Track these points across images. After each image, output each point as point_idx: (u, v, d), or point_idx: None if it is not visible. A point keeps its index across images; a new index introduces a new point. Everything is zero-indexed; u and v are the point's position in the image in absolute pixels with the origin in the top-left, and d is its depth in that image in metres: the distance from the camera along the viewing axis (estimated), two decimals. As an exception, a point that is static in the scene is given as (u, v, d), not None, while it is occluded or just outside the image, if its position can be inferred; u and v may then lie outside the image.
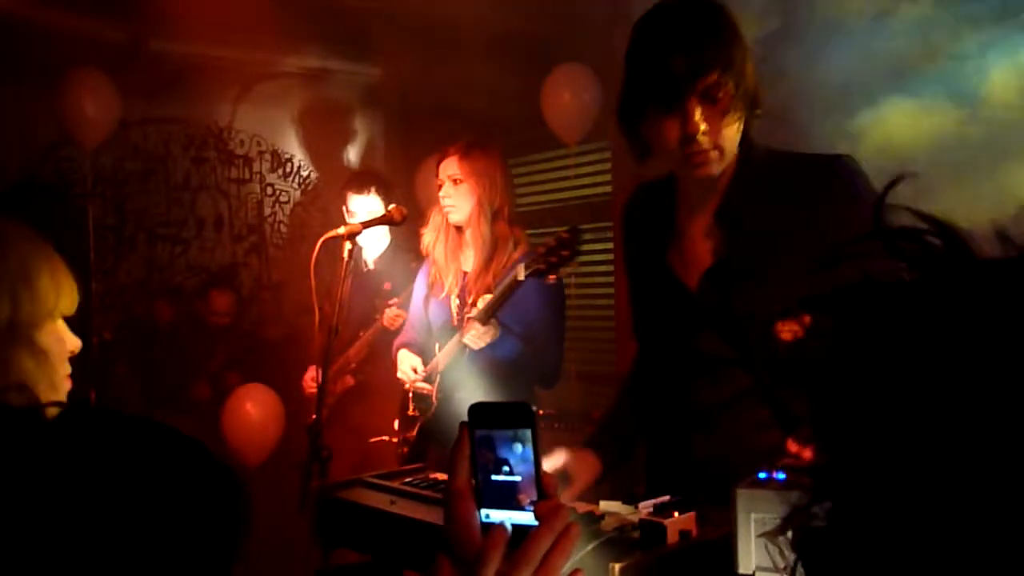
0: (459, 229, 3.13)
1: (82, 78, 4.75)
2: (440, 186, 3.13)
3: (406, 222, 3.16)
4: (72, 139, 4.87)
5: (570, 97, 4.62)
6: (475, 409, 0.98)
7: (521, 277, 2.62)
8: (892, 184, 0.57)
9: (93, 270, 5.18)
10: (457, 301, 3.14)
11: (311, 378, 3.89)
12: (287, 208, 6.15)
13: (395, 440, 3.37)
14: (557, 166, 5.20)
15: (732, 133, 1.75)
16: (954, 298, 0.48)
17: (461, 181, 3.07)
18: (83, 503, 0.74)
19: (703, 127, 1.72)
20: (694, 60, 1.69)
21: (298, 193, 6.17)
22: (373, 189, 3.87)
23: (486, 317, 2.81)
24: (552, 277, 2.63)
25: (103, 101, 4.80)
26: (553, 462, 1.95)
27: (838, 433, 0.52)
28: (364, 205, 3.82)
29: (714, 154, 1.75)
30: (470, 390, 2.88)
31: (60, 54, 4.53)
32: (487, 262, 3.03)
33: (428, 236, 3.21)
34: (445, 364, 3.01)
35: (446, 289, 3.16)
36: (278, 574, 3.71)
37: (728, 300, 1.75)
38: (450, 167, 3.09)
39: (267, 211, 6.08)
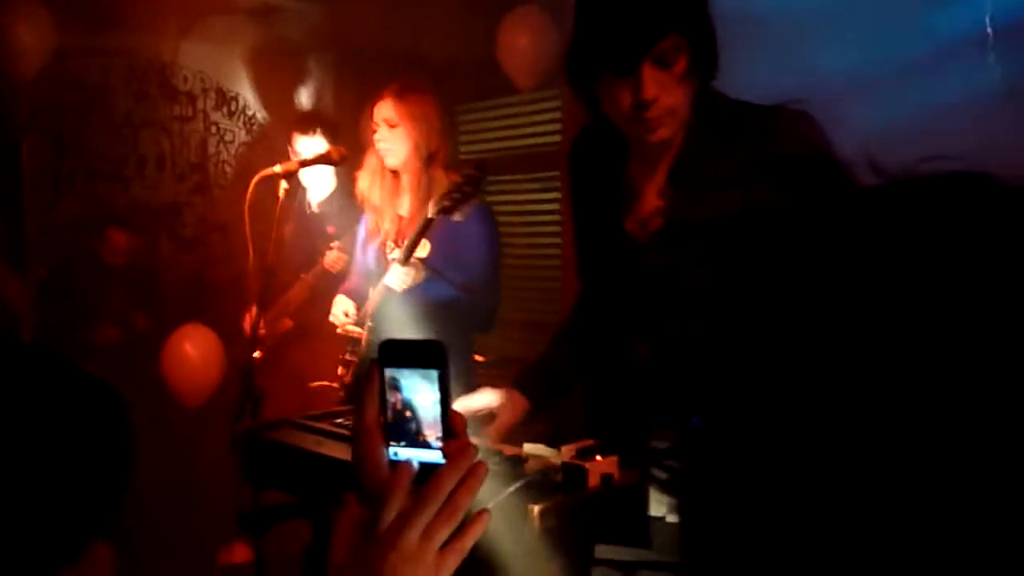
0: (395, 173, 3.10)
1: (15, 4, 4.60)
2: (375, 130, 3.09)
3: (347, 162, 3.17)
4: (5, 68, 4.72)
5: (527, 41, 4.57)
6: (386, 346, 0.97)
7: (430, 215, 2.70)
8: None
9: (27, 207, 5.09)
10: (392, 246, 3.12)
11: (249, 320, 3.83)
12: (232, 148, 6.05)
13: (336, 385, 3.35)
14: (508, 113, 5.17)
15: (687, 94, 1.72)
16: (824, 224, 0.48)
17: (396, 125, 3.04)
18: None
19: (655, 94, 1.68)
20: (648, 23, 1.64)
21: (244, 133, 6.06)
22: (319, 130, 3.83)
23: (404, 258, 2.83)
24: (458, 215, 2.71)
25: (38, 29, 4.65)
26: (478, 400, 1.96)
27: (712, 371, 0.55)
28: (309, 146, 3.76)
29: (668, 119, 1.73)
30: (402, 334, 2.88)
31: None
32: (422, 206, 2.99)
33: (363, 180, 3.18)
34: (374, 307, 3.00)
35: (382, 234, 3.15)
36: (212, 514, 3.71)
37: (675, 263, 1.71)
38: (384, 110, 3.06)
39: (211, 150, 5.98)
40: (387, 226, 3.14)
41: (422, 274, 2.89)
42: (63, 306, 4.81)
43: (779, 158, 1.61)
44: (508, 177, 5.19)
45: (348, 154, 3.19)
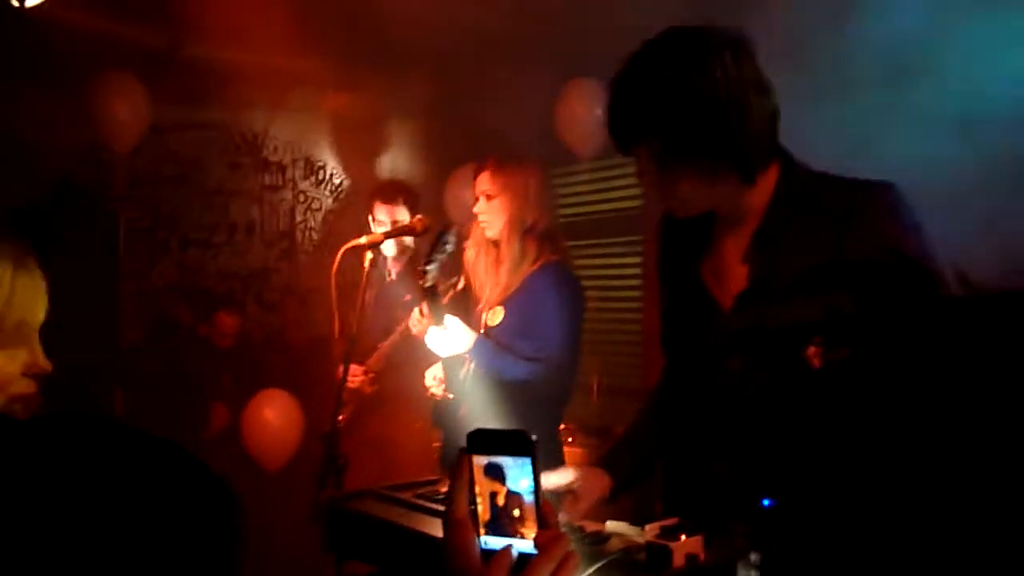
0: (496, 244, 3.14)
1: (114, 81, 4.82)
2: (476, 201, 3.14)
3: (428, 233, 3.18)
4: (105, 142, 4.96)
5: (583, 112, 4.64)
6: (474, 436, 0.98)
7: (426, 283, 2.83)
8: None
9: (123, 272, 5.27)
10: (490, 314, 3.15)
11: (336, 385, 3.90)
12: (319, 215, 6.23)
13: (437, 444, 3.43)
14: (587, 179, 5.23)
15: (697, 186, 1.76)
16: (913, 333, 0.50)
17: (493, 196, 3.08)
18: (75, 517, 0.73)
19: (651, 178, 1.76)
20: (623, 122, 1.74)
21: (330, 200, 6.25)
22: (401, 199, 3.91)
23: (434, 318, 2.91)
24: (422, 281, 2.84)
25: (135, 105, 4.87)
26: (561, 478, 1.95)
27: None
28: (391, 215, 3.86)
29: (678, 205, 1.80)
30: (480, 403, 2.92)
31: (96, 57, 4.61)
32: (512, 276, 3.06)
33: (469, 251, 3.23)
34: (451, 376, 3.05)
35: (482, 303, 3.18)
36: (292, 582, 3.73)
37: (760, 325, 1.73)
38: (483, 183, 3.11)
39: (299, 218, 6.16)
40: (487, 295, 3.17)
41: (470, 341, 2.92)
42: (158, 371, 4.92)
43: (861, 260, 1.62)
44: (588, 242, 5.24)
45: (430, 224, 3.21)
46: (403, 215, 3.83)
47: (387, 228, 3.73)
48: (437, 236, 2.80)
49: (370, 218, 3.97)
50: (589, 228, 5.20)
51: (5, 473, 0.73)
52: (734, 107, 1.66)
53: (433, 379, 3.23)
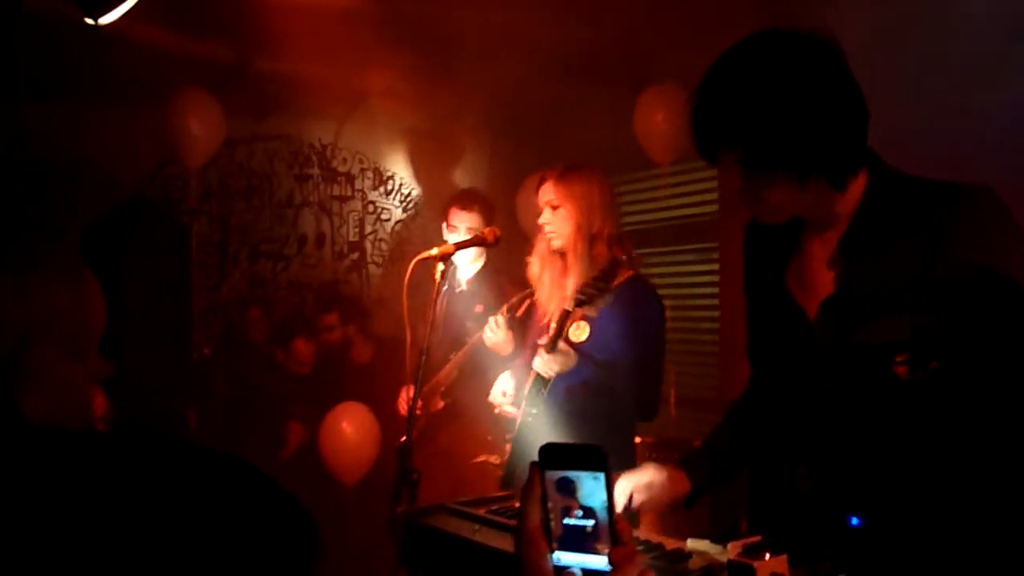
0: (562, 254, 3.11)
1: (188, 98, 4.92)
2: (540, 212, 3.12)
3: (500, 243, 3.22)
4: (178, 157, 5.05)
5: (662, 118, 4.62)
6: (546, 450, 0.97)
7: (567, 307, 2.78)
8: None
9: (195, 286, 5.34)
10: (554, 328, 3.07)
11: (404, 400, 3.92)
12: (388, 226, 6.30)
13: (495, 460, 3.41)
14: (662, 184, 5.19)
15: (784, 192, 1.71)
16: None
17: (558, 206, 3.06)
18: (148, 538, 0.75)
19: (740, 185, 1.73)
20: (707, 127, 1.71)
21: (400, 211, 6.31)
22: (477, 208, 3.95)
23: (549, 346, 2.84)
24: (590, 310, 2.78)
25: (208, 120, 4.96)
26: (640, 477, 1.96)
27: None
28: (466, 222, 3.91)
29: (764, 212, 1.78)
30: (557, 418, 2.90)
31: (168, 74, 4.71)
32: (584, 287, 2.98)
33: (534, 264, 3.22)
34: (527, 390, 3.00)
35: (548, 315, 3.15)
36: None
37: (846, 337, 1.70)
38: (547, 192, 3.09)
39: (368, 229, 6.23)
40: (553, 307, 3.14)
41: (572, 360, 2.88)
42: (231, 388, 4.99)
43: (950, 276, 1.59)
44: (663, 249, 5.21)
45: (501, 235, 3.24)
46: (477, 223, 3.89)
47: (461, 235, 3.80)
48: (607, 269, 2.82)
49: (444, 225, 4.02)
50: (663, 234, 5.17)
51: (82, 491, 0.75)
52: (823, 111, 1.63)
53: (502, 394, 3.21)
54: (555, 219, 3.07)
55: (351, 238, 6.16)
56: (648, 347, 3.01)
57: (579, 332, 2.91)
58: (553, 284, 3.14)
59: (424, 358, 2.87)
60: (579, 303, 2.78)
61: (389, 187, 6.28)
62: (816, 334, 1.76)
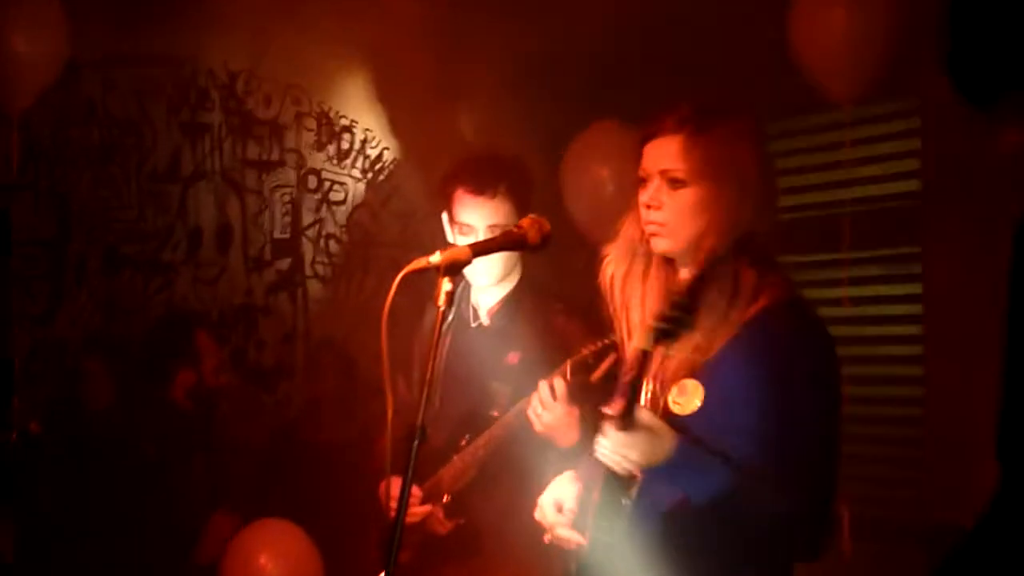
0: (670, 262, 3.00)
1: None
2: (643, 183, 2.97)
3: (548, 245, 3.15)
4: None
5: (841, 22, 4.55)
6: None
7: (647, 346, 2.68)
8: None
9: (15, 314, 5.36)
10: (650, 385, 3.00)
11: (386, 500, 3.74)
12: (342, 212, 6.22)
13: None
14: (817, 144, 5.21)
15: None
16: None
17: (683, 181, 2.90)
18: None
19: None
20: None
21: (362, 186, 6.24)
22: (502, 187, 3.91)
23: (622, 418, 2.69)
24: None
25: (42, 32, 4.96)
26: None
27: None
28: (485, 214, 3.90)
29: None
30: (646, 551, 2.83)
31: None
32: (720, 325, 2.84)
33: (613, 266, 3.10)
34: (599, 498, 2.95)
35: (636, 364, 2.95)
36: None
37: None
38: (665, 154, 2.93)
39: (308, 218, 6.17)
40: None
41: (667, 444, 2.74)
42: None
43: None
44: (821, 256, 5.17)
45: (552, 231, 3.16)
46: (505, 213, 3.86)
47: (479, 234, 3.80)
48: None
49: (445, 217, 4.01)
50: (823, 231, 5.10)
51: None
52: None
53: (557, 509, 3.12)
54: (673, 203, 2.92)
55: (278, 234, 6.11)
56: (811, 429, 2.88)
57: (686, 396, 2.86)
58: (646, 309, 3.03)
59: (417, 443, 2.81)
60: (662, 334, 2.63)
61: (345, 145, 6.22)
62: None
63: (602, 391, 3.30)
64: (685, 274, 2.94)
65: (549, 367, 3.59)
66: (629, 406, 2.68)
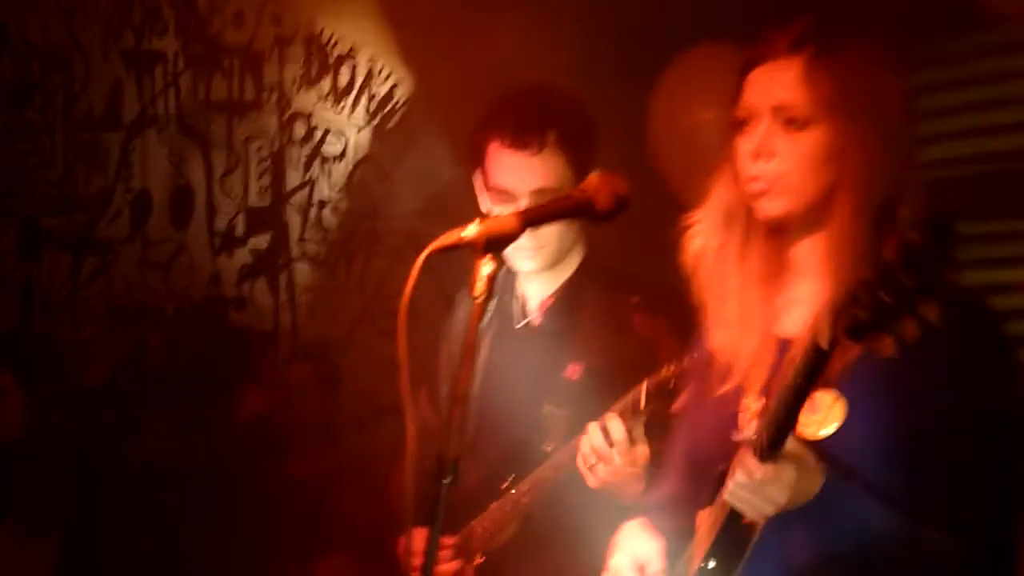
0: (780, 231, 2.95)
1: None
2: (745, 126, 2.93)
3: (623, 213, 3.04)
4: None
5: None
6: None
7: (822, 344, 2.60)
8: None
9: None
10: (757, 405, 2.99)
11: (407, 556, 3.83)
12: (340, 171, 6.12)
13: None
14: (980, 74, 5.14)
15: None
16: None
17: (805, 121, 2.85)
18: None
19: None
20: None
21: (367, 136, 6.14)
22: (551, 139, 3.91)
23: (763, 448, 2.66)
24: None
25: None
26: None
27: None
28: (526, 176, 3.89)
29: None
30: None
31: None
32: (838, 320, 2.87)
33: (701, 238, 3.06)
34: (705, 554, 2.88)
35: (739, 375, 3.03)
36: None
37: None
38: (779, 84, 2.90)
39: (293, 179, 6.08)
40: (747, 357, 3.00)
41: (817, 481, 2.69)
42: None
43: None
44: (991, 226, 5.09)
45: (629, 193, 3.03)
46: (558, 175, 3.83)
47: (522, 203, 3.77)
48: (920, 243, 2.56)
49: (477, 180, 4.05)
50: (986, 192, 5.03)
51: None
52: None
53: (636, 570, 3.07)
54: (791, 151, 2.87)
55: (254, 200, 6.04)
56: (989, 458, 2.82)
57: (819, 413, 2.76)
58: (751, 299, 3.00)
59: (448, 483, 2.69)
60: (860, 328, 2.45)
61: (343, 80, 6.13)
62: None
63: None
64: (804, 248, 2.89)
65: (620, 386, 3.52)
66: (781, 430, 2.57)
